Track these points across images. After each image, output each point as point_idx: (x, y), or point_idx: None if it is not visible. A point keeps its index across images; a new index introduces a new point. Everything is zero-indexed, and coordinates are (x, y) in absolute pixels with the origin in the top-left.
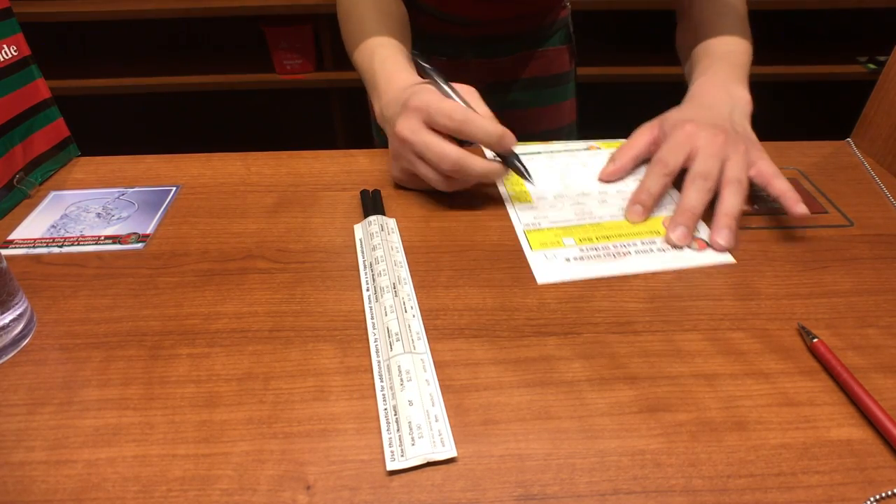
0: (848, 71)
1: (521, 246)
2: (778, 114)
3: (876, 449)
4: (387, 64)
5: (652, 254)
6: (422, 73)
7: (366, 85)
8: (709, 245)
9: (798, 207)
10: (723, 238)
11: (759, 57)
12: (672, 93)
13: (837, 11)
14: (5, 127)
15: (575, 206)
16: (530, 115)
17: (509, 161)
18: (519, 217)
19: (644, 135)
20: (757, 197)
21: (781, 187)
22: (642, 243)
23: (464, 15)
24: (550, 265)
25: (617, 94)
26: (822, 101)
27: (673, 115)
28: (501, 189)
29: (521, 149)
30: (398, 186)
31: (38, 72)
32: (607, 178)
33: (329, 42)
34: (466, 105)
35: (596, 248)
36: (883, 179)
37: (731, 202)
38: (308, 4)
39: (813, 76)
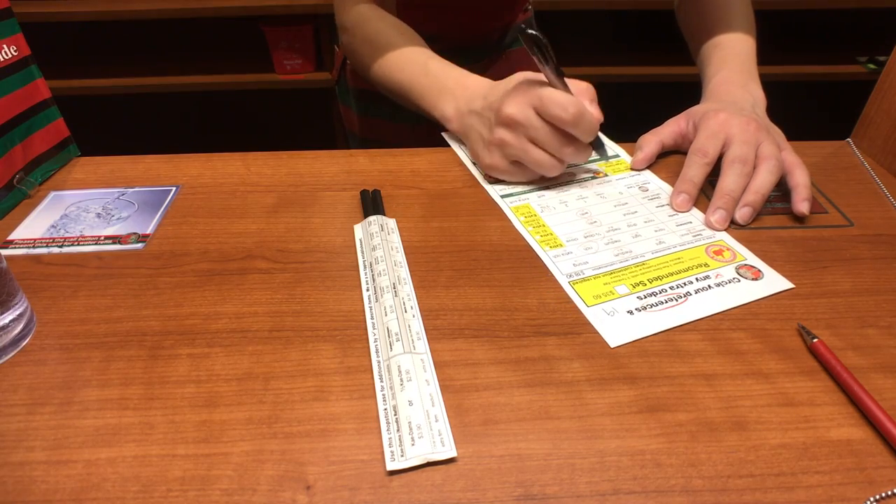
0: (848, 71)
1: (523, 245)
2: (778, 114)
3: (876, 449)
4: (448, 69)
5: (711, 290)
6: (533, 51)
7: (417, 96)
8: (762, 272)
9: (801, 205)
10: (741, 215)
11: (759, 57)
12: (661, 92)
13: (837, 11)
14: (5, 127)
15: (611, 246)
16: None
17: (595, 142)
18: (558, 267)
19: (670, 125)
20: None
21: (799, 180)
22: (697, 280)
23: (434, 32)
24: (616, 323)
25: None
26: (821, 101)
27: (699, 108)
28: (524, 233)
29: (519, 186)
30: (492, 180)
31: (38, 72)
32: (638, 167)
33: (329, 42)
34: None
35: (653, 292)
36: (883, 179)
37: (764, 179)
38: (308, 4)
39: (813, 76)
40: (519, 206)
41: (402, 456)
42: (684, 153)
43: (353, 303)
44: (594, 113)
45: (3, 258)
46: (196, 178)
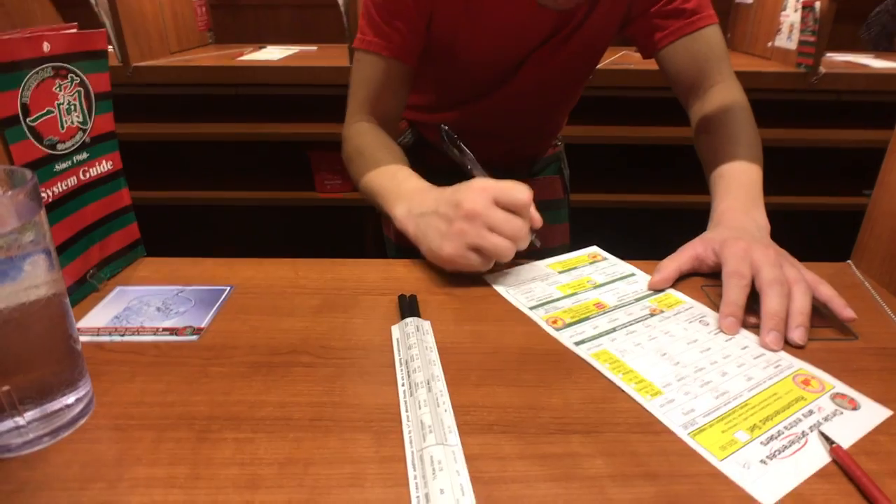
0: (851, 202)
1: (549, 349)
2: (780, 236)
3: None
4: (411, 179)
5: (823, 426)
6: (448, 146)
7: (382, 199)
8: (856, 400)
9: (846, 312)
10: (798, 336)
11: (771, 187)
12: (672, 218)
13: (846, 150)
14: (90, 227)
15: (706, 388)
16: None
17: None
18: (671, 419)
19: (687, 250)
20: None
21: (827, 293)
22: (803, 415)
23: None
24: (756, 476)
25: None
26: (823, 225)
27: (712, 235)
28: (618, 382)
29: (590, 326)
30: (442, 275)
31: (125, 182)
32: (656, 287)
33: None
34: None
35: (772, 436)
36: (884, 298)
37: (804, 301)
38: None
39: (817, 206)
40: (598, 352)
41: None
42: (701, 275)
43: (389, 396)
44: None
45: (80, 341)
46: (249, 279)
